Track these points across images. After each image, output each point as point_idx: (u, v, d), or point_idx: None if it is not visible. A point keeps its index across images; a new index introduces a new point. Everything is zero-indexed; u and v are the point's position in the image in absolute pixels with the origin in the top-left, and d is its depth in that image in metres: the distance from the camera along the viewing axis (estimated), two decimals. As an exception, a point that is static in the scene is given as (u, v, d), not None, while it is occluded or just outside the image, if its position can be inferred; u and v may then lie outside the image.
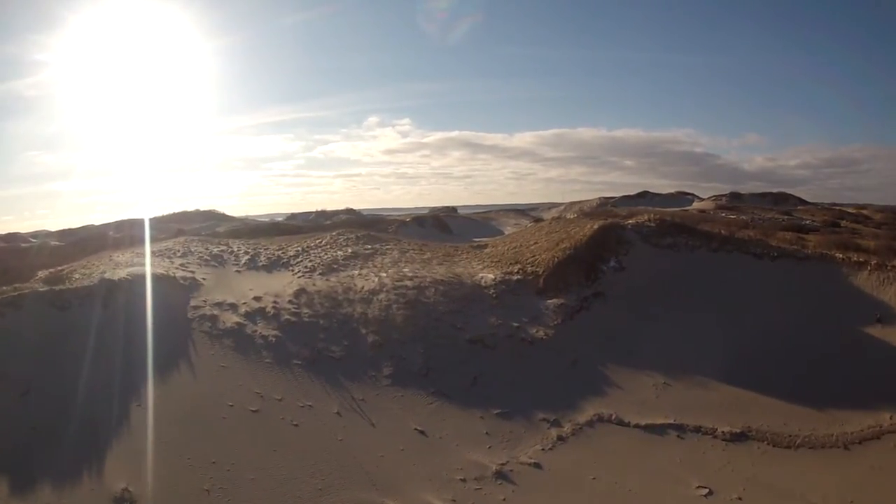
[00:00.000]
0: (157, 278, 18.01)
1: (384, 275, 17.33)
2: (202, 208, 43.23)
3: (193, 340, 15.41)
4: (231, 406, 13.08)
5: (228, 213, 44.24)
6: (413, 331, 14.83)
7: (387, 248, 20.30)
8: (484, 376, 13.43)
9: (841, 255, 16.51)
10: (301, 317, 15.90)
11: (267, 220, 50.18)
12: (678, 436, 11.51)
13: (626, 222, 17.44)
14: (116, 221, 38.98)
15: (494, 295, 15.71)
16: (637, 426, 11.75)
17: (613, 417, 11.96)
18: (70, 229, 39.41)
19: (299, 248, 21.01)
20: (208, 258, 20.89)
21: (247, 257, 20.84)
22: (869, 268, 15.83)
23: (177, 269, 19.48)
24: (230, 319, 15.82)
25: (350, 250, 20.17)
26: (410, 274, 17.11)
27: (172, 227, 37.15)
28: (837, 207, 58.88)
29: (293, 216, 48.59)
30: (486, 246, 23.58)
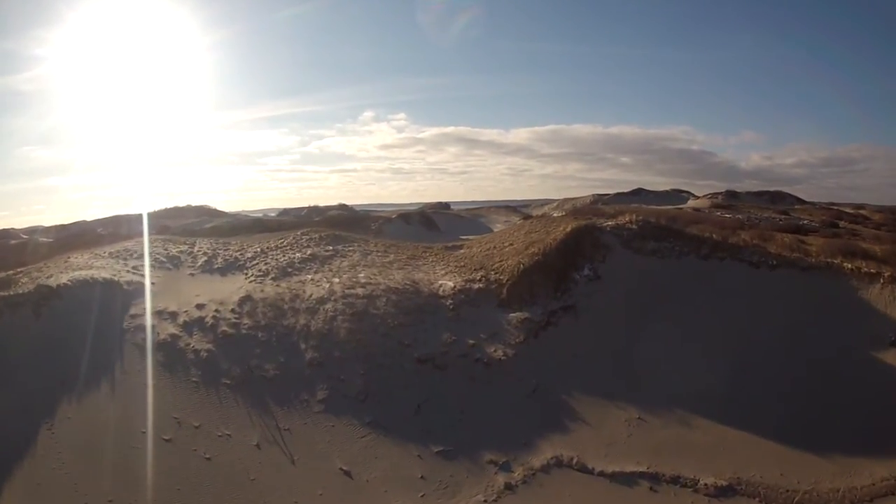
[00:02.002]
0: (99, 284, 15.94)
1: (336, 280, 14.90)
2: (194, 204, 41.07)
3: (123, 354, 13.43)
4: (144, 433, 11.12)
5: (222, 208, 42.15)
6: (356, 347, 12.41)
7: (349, 250, 17.84)
8: (429, 404, 10.99)
9: (849, 265, 13.73)
10: (240, 328, 13.62)
11: (260, 215, 48.00)
12: (651, 488, 8.98)
13: (605, 224, 14.74)
14: (107, 217, 36.96)
15: (452, 306, 13.19)
16: (602, 474, 9.22)
17: (574, 462, 9.45)
18: (63, 225, 37.54)
19: (258, 249, 18.64)
20: (164, 259, 18.71)
21: (204, 259, 18.56)
22: (882, 280, 13.04)
23: (127, 272, 17.37)
24: (166, 330, 13.71)
25: (309, 252, 17.75)
26: (364, 280, 14.65)
27: (159, 223, 35.08)
28: (835, 207, 55.48)
29: (285, 212, 46.29)
30: (461, 246, 21.04)
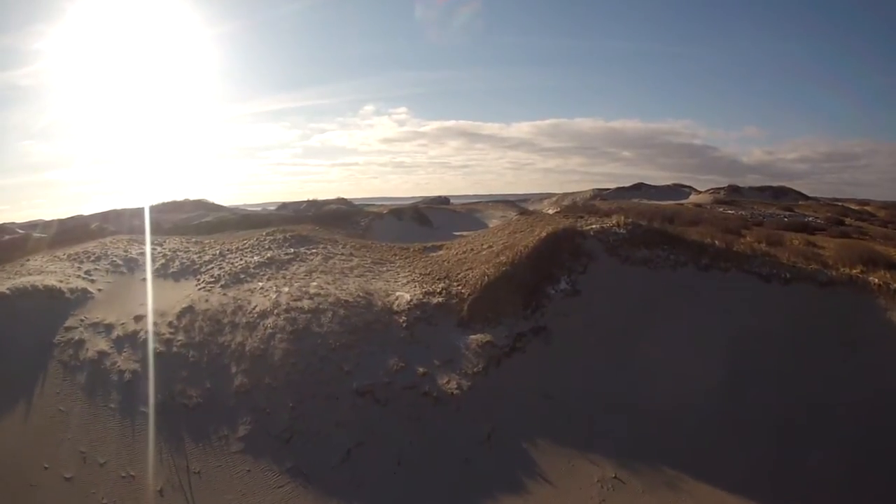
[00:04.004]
0: (39, 293, 13.99)
1: (286, 290, 12.53)
2: (192, 198, 39.09)
3: (47, 374, 11.55)
4: (46, 469, 9.18)
5: (223, 202, 40.09)
6: (289, 373, 10.07)
7: (311, 253, 15.43)
8: (362, 449, 8.60)
9: (876, 280, 10.85)
10: (172, 346, 11.47)
11: (259, 209, 45.94)
12: (625, 581, 6.47)
13: (587, 227, 11.98)
14: (103, 212, 35.11)
15: (405, 324, 10.71)
16: (563, 559, 6.74)
17: (529, 538, 6.98)
18: (61, 220, 35.82)
19: (217, 252, 16.39)
20: (120, 263, 16.70)
21: (161, 262, 16.43)
22: (918, 300, 10.12)
23: (76, 277, 15.46)
24: (96, 346, 11.82)
25: (269, 255, 15.40)
26: (314, 290, 12.24)
27: (156, 217, 33.08)
28: (839, 203, 51.44)
29: (284, 206, 44.07)
30: (441, 247, 18.49)
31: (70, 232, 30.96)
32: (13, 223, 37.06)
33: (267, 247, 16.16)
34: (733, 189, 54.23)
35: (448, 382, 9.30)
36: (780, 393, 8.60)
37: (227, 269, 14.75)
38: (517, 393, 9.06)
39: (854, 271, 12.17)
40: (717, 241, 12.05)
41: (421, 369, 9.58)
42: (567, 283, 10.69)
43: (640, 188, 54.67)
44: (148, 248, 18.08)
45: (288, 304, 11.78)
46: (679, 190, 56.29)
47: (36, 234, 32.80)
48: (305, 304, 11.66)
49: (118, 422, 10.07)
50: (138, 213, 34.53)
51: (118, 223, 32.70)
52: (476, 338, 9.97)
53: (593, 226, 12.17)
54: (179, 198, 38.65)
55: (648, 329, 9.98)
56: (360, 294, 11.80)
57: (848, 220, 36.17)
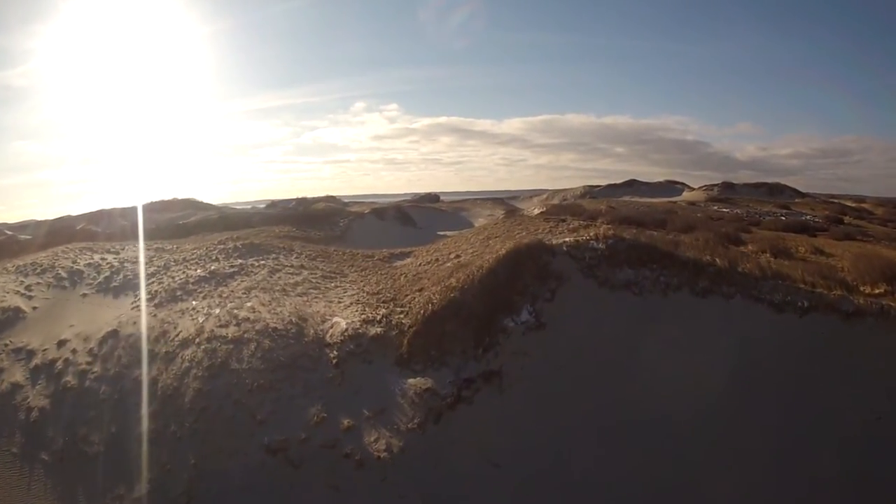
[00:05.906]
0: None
1: (217, 311, 10.41)
2: (181, 197, 37.05)
3: None
4: None
5: (213, 200, 38.04)
6: (196, 420, 7.98)
7: (258, 265, 13.23)
8: (263, 529, 6.48)
9: (909, 307, 8.42)
10: (85, 379, 9.60)
11: (249, 207, 43.77)
12: None
13: (558, 242, 9.61)
14: (91, 213, 33.12)
15: (336, 360, 8.52)
16: None
17: None
18: (48, 220, 33.92)
19: (162, 264, 14.25)
20: (64, 276, 14.73)
21: (106, 275, 14.36)
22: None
23: (15, 293, 13.71)
24: (12, 377, 10.22)
25: (213, 267, 13.23)
26: (244, 314, 10.08)
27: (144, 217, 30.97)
28: (836, 200, 48.48)
29: (273, 204, 41.96)
30: (409, 253, 16.25)
31: (57, 234, 29.09)
32: (4, 224, 35.37)
33: (214, 258, 13.99)
34: (727, 186, 51.15)
35: (376, 441, 7.12)
36: (797, 464, 6.32)
37: (166, 284, 12.63)
38: (459, 458, 6.87)
39: (878, 290, 9.82)
40: (717, 259, 9.66)
41: (346, 422, 7.41)
42: (530, 313, 8.41)
43: (632, 185, 51.76)
44: (142, 254, 16.04)
45: (212, 330, 9.65)
46: (672, 187, 53.31)
47: (22, 236, 30.97)
48: (230, 331, 9.50)
49: (17, 470, 8.26)
50: (126, 212, 32.63)
51: (107, 223, 30.78)
52: (414, 383, 7.76)
53: (566, 239, 9.81)
54: (168, 197, 36.67)
55: (632, 373, 7.70)
56: (293, 320, 9.61)
57: (847, 219, 33.53)
